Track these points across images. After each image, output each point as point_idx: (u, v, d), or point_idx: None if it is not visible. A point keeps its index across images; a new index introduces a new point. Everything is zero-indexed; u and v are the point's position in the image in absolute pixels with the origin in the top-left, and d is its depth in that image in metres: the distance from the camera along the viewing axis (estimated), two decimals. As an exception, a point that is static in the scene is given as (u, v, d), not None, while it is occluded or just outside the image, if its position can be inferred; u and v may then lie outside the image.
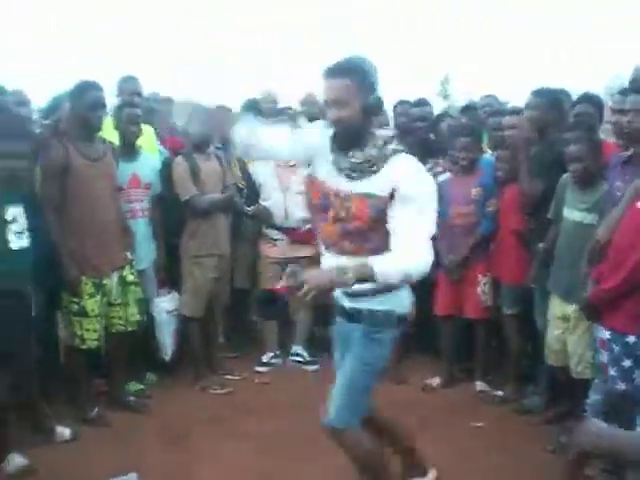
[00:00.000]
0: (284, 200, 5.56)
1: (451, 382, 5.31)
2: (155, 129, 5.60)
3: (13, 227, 3.88)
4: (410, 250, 2.83)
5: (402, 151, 2.98)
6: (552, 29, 77.80)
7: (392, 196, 2.88)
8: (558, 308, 4.26)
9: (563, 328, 4.24)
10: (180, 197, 5.12)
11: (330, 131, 3.04)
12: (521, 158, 4.61)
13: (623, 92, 4.26)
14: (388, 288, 2.96)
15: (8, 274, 3.84)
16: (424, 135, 5.86)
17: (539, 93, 4.73)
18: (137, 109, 5.07)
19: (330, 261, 3.07)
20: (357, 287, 2.86)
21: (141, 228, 5.03)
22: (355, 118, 2.90)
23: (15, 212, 3.90)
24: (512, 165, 4.75)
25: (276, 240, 5.65)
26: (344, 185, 2.99)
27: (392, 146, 2.98)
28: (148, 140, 5.34)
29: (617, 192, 3.76)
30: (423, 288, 5.53)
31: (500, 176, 4.91)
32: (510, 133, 4.86)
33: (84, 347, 4.54)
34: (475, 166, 5.02)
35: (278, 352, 5.79)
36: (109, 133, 4.89)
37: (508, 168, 4.81)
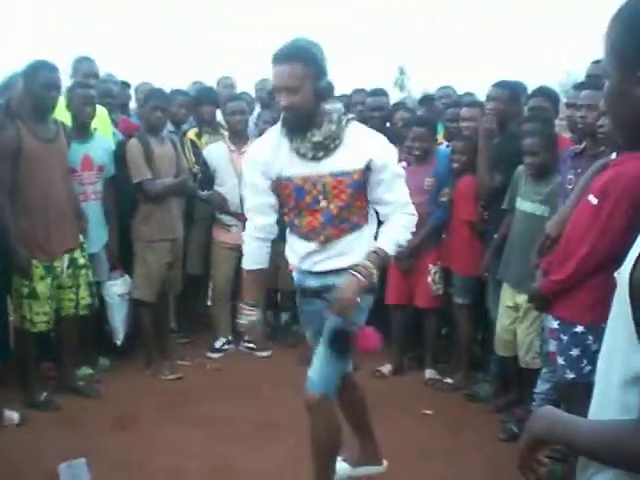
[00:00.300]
0: (239, 186, 5.50)
1: (401, 370, 5.36)
2: (109, 111, 5.51)
3: None
4: (402, 214, 3.12)
5: (354, 119, 3.15)
6: (508, 24, 78.81)
7: (368, 168, 3.00)
8: (509, 297, 4.33)
9: (513, 317, 4.32)
10: (132, 179, 5.06)
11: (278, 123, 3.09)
12: (481, 149, 4.64)
13: (577, 87, 4.32)
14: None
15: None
16: (380, 125, 5.86)
17: (500, 85, 4.78)
18: (91, 90, 4.99)
19: (310, 248, 3.17)
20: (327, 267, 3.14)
21: (93, 211, 4.97)
22: (307, 103, 2.91)
23: None
24: (468, 156, 4.78)
25: (230, 226, 5.61)
26: (313, 168, 3.02)
27: (345, 117, 3.09)
28: (102, 122, 5.27)
29: (568, 185, 3.83)
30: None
31: (456, 167, 4.93)
32: (467, 125, 4.90)
33: (34, 330, 4.48)
34: (429, 156, 5.04)
35: (230, 338, 5.78)
36: (61, 113, 4.81)
37: (464, 159, 4.83)
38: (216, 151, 5.60)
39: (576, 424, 1.38)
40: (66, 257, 4.59)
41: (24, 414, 4.38)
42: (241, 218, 5.53)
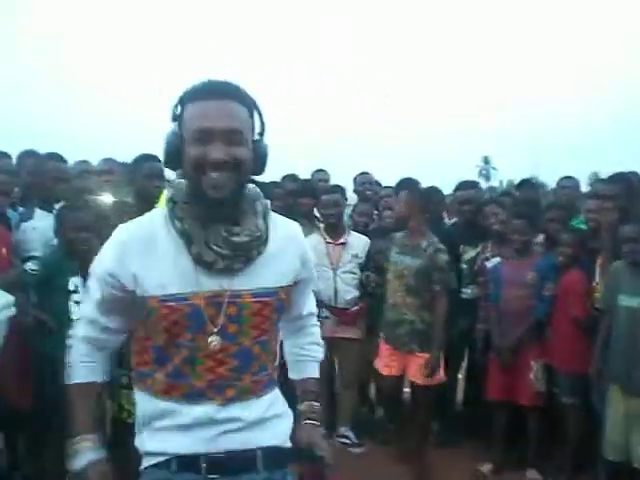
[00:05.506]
0: (333, 278, 5.52)
1: (502, 469, 5.14)
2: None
3: None
4: (315, 326, 2.40)
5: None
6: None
7: (296, 281, 2.08)
8: (620, 404, 4.20)
9: (626, 424, 4.17)
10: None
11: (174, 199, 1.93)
12: (605, 242, 4.54)
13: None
14: None
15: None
16: (470, 218, 5.74)
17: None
18: None
19: (206, 412, 1.90)
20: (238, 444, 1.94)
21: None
22: (249, 165, 1.89)
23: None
24: (574, 250, 4.68)
25: (324, 318, 5.54)
26: (223, 284, 1.89)
27: (267, 205, 2.05)
28: None
29: None
30: (474, 372, 5.46)
31: (561, 260, 4.78)
32: (592, 217, 4.84)
33: None
34: (529, 249, 4.97)
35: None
36: None
37: (570, 252, 4.71)
38: (312, 243, 5.57)
39: None
40: None
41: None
42: (334, 311, 5.50)
